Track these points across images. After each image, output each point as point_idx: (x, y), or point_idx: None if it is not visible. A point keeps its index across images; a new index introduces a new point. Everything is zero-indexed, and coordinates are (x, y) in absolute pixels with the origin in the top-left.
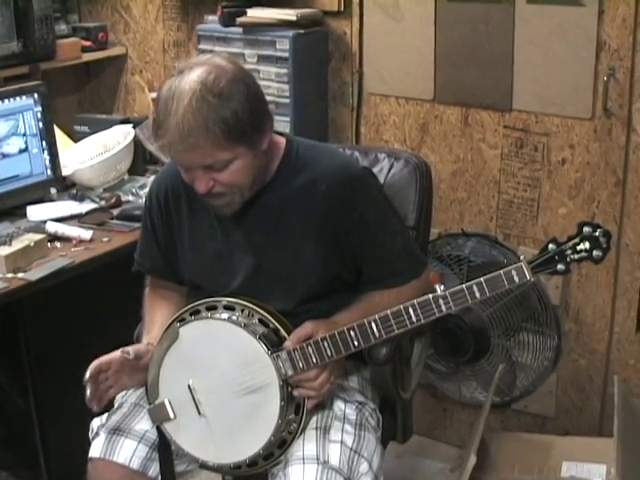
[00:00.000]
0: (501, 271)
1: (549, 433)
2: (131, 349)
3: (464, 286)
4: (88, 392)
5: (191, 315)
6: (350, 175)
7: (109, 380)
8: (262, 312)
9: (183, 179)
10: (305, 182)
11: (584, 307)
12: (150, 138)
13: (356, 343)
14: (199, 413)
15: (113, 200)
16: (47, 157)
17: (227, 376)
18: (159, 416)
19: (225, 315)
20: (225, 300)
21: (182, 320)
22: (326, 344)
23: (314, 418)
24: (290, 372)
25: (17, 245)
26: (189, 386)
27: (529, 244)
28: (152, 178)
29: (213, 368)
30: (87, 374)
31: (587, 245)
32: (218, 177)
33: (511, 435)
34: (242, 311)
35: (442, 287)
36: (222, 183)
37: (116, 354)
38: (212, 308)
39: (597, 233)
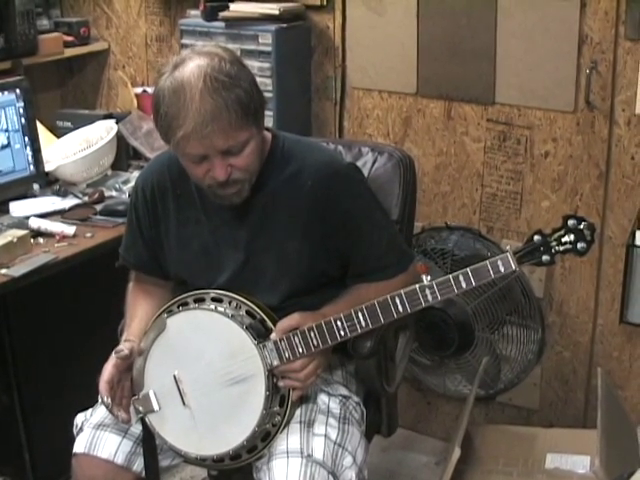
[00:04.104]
0: (487, 261)
1: (534, 425)
2: (124, 347)
3: (450, 276)
4: (120, 414)
5: (179, 307)
6: (335, 171)
7: (118, 393)
8: (250, 304)
9: (170, 174)
10: (291, 177)
11: (567, 300)
12: (135, 133)
13: (342, 333)
14: (184, 404)
15: (96, 195)
16: (30, 153)
17: (213, 366)
18: (144, 407)
19: (212, 306)
20: (213, 292)
21: (170, 312)
22: (312, 334)
23: (298, 412)
24: (276, 362)
25: (0, 241)
26: (174, 377)
27: (512, 237)
28: (135, 173)
29: (199, 358)
30: (106, 400)
31: (572, 237)
32: (235, 162)
33: (495, 428)
34: (230, 303)
35: (429, 277)
36: (239, 168)
37: (108, 368)
38: (200, 300)
39: (582, 226)
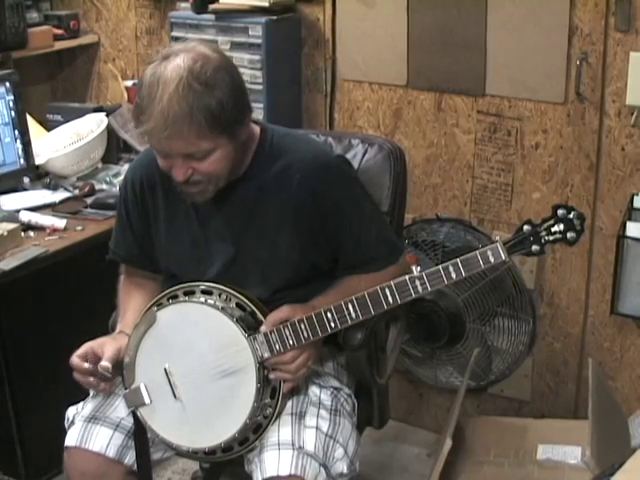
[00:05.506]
0: (477, 251)
1: (525, 416)
2: (107, 364)
3: (440, 267)
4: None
5: (169, 300)
6: (325, 164)
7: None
8: (239, 296)
9: (159, 167)
10: (280, 171)
11: (558, 291)
12: (125, 125)
13: (333, 325)
14: (175, 397)
15: (87, 189)
16: (20, 146)
17: (204, 359)
18: (135, 401)
19: (202, 299)
20: (203, 285)
21: (160, 305)
22: (303, 326)
23: (289, 404)
24: (267, 354)
25: None
26: (165, 370)
27: (503, 229)
28: (126, 166)
29: (190, 351)
30: (108, 365)
31: (561, 227)
32: (197, 166)
33: (487, 419)
34: (220, 295)
35: (418, 268)
36: (200, 172)
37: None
38: (190, 293)
39: (571, 215)
